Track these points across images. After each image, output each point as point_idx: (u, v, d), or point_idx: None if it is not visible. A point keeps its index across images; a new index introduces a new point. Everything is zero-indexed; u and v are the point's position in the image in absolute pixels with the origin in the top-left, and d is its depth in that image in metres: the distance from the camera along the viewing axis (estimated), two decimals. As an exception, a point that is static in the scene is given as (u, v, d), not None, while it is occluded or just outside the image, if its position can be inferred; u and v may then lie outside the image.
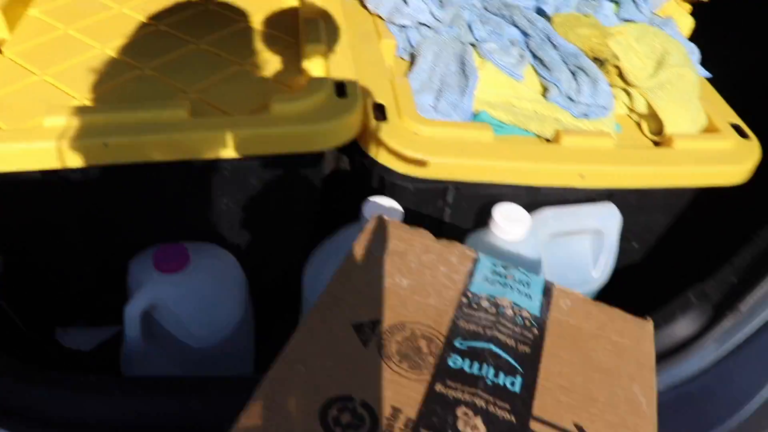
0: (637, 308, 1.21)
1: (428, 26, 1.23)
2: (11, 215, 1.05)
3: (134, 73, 1.10)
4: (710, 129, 1.19)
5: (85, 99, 1.05)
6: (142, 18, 1.24)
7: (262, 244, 1.18)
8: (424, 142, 1.03)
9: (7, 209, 1.04)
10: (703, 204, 1.28)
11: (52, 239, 1.11)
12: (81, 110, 0.97)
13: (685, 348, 1.09)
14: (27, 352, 1.25)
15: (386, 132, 1.03)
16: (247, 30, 1.24)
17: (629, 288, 1.39)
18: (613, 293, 1.29)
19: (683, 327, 1.12)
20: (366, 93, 1.09)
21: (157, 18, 1.25)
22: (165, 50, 1.16)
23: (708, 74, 1.32)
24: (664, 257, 1.37)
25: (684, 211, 1.27)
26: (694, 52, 1.31)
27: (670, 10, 1.38)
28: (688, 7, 1.41)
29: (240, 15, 1.28)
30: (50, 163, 0.95)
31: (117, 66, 1.12)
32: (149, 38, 1.19)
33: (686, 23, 1.38)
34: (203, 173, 1.03)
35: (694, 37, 1.37)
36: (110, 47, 1.16)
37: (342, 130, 1.00)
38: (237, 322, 1.10)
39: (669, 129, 1.15)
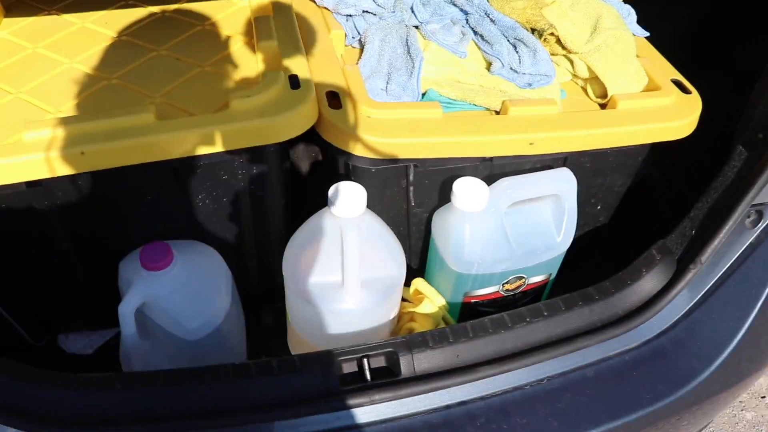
0: (605, 268, 1.33)
1: (373, 13, 1.30)
2: (2, 226, 1.14)
3: (102, 83, 1.18)
4: (652, 87, 1.27)
5: (59, 112, 1.12)
6: (104, 30, 1.31)
7: (240, 236, 1.26)
8: (378, 124, 1.10)
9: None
10: (657, 160, 1.39)
11: (43, 247, 1.18)
12: (57, 122, 1.04)
13: (654, 303, 1.17)
14: (34, 360, 1.36)
15: (342, 118, 1.10)
16: (204, 33, 1.31)
17: (597, 250, 1.50)
18: (581, 256, 1.39)
19: (650, 282, 1.20)
20: (319, 83, 1.16)
21: (118, 29, 1.32)
22: (129, 59, 1.23)
23: (646, 33, 1.40)
24: (627, 216, 1.45)
25: (639, 169, 1.36)
26: (630, 13, 1.38)
27: (604, -26, 1.46)
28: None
29: (196, 19, 1.35)
30: (34, 174, 1.02)
31: (85, 78, 1.19)
32: (113, 49, 1.27)
33: (621, -15, 1.45)
34: (176, 172, 1.10)
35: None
36: (78, 61, 1.23)
37: (299, 120, 1.07)
38: (226, 312, 1.17)
39: (611, 90, 1.23)
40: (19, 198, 1.09)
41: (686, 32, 1.52)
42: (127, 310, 1.10)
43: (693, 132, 1.29)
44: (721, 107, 1.29)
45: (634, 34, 1.39)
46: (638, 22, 1.41)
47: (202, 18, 1.36)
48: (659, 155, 1.49)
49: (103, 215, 1.16)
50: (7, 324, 1.30)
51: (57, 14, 1.38)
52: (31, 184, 1.06)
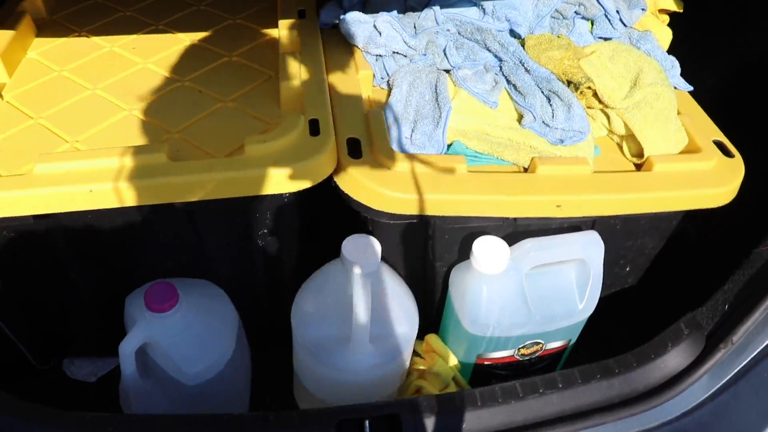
0: (628, 335, 1.22)
1: (403, 55, 1.22)
2: (9, 256, 1.08)
3: (122, 114, 1.12)
4: (691, 148, 1.16)
5: (75, 142, 1.07)
6: (131, 56, 1.26)
7: (252, 277, 1.19)
8: (398, 178, 1.02)
9: (4, 250, 1.07)
10: (694, 225, 1.26)
11: (52, 275, 1.13)
12: (68, 157, 0.99)
13: (679, 380, 1.07)
14: (36, 384, 1.31)
15: (360, 169, 1.02)
16: (231, 65, 1.24)
17: (621, 313, 1.37)
18: (606, 317, 1.28)
19: (676, 359, 1.09)
20: (341, 128, 1.09)
21: (145, 56, 1.26)
22: (151, 90, 1.17)
23: (689, 87, 1.28)
24: (657, 281, 1.33)
25: (674, 233, 1.24)
26: (674, 65, 1.28)
27: (647, 23, 1.34)
28: (666, 18, 1.37)
29: (223, 50, 1.28)
30: (41, 208, 0.97)
31: (106, 107, 1.14)
32: (137, 77, 1.21)
33: (665, 35, 1.34)
34: (188, 214, 1.04)
35: (673, 49, 1.34)
36: (101, 88, 1.18)
37: (315, 169, 1.00)
38: (228, 359, 1.10)
39: (648, 151, 1.12)
40: (28, 228, 1.03)
41: (731, 86, 1.40)
42: (127, 350, 1.04)
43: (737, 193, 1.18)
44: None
45: (676, 88, 1.28)
46: (681, 74, 1.30)
47: (230, 48, 1.29)
48: (697, 211, 1.39)
49: (113, 250, 1.10)
50: (13, 346, 1.25)
51: (87, 36, 1.33)
52: (38, 217, 1.00)
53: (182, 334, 1.06)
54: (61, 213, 0.99)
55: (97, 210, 0.99)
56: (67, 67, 1.24)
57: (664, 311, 1.31)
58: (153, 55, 1.27)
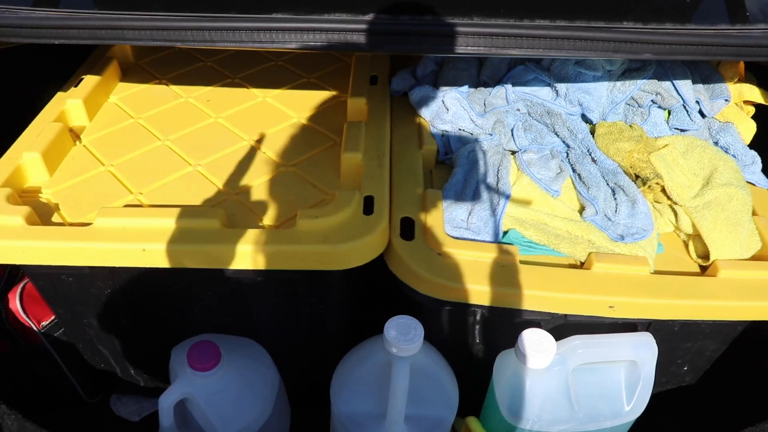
0: (690, 429, 1.11)
1: (470, 133, 1.18)
2: (67, 298, 1.11)
3: (186, 170, 1.12)
4: (765, 254, 1.07)
5: (139, 194, 1.07)
6: (204, 108, 1.27)
7: (296, 341, 1.17)
8: (448, 265, 0.98)
9: (61, 295, 1.10)
10: (762, 333, 1.17)
11: (104, 319, 1.14)
12: (127, 213, 0.99)
13: None
14: (82, 416, 1.34)
15: (411, 252, 0.99)
16: (298, 127, 1.23)
17: (678, 410, 1.28)
18: (661, 411, 1.19)
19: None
20: (396, 206, 1.06)
21: (218, 110, 1.27)
22: (218, 146, 1.17)
23: (771, 185, 1.20)
24: (719, 382, 1.24)
25: (739, 338, 1.14)
26: (754, 161, 1.19)
27: (729, 114, 1.25)
28: (751, 109, 1.28)
29: (293, 110, 1.27)
30: (96, 261, 0.98)
31: (173, 161, 1.14)
32: (206, 132, 1.21)
33: (748, 128, 1.25)
34: (237, 281, 1.03)
35: (757, 143, 1.25)
36: (171, 140, 1.19)
37: (365, 250, 0.97)
38: (265, 421, 1.09)
39: (715, 254, 1.05)
40: (85, 275, 1.04)
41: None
42: (166, 403, 1.04)
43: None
44: None
45: (754, 185, 1.19)
46: (763, 170, 1.21)
47: (299, 109, 1.27)
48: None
49: (162, 304, 1.10)
50: (66, 378, 1.27)
51: (166, 84, 1.35)
52: (94, 267, 1.01)
53: (221, 394, 1.05)
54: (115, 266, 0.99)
55: (150, 267, 0.99)
56: (144, 115, 1.26)
57: (724, 416, 1.21)
58: (225, 110, 1.27)
